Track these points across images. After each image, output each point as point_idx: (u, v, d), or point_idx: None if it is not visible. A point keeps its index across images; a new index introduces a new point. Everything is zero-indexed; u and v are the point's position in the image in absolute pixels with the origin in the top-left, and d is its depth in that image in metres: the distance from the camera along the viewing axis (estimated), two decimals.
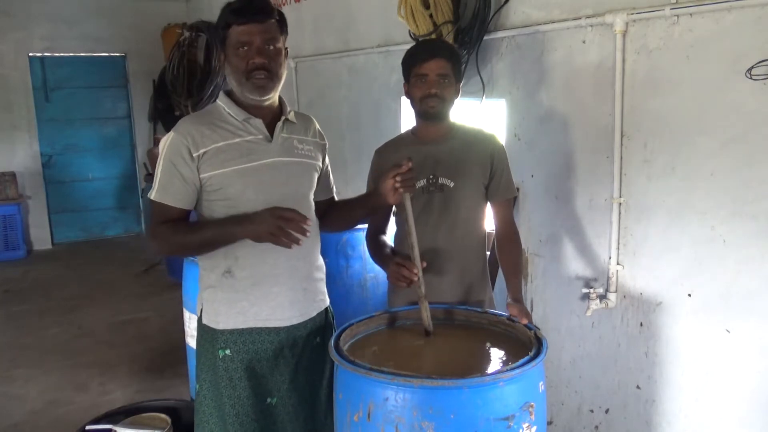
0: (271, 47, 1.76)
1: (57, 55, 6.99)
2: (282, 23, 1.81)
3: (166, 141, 1.79)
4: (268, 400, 1.87)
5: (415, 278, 1.87)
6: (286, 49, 1.83)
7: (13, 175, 6.66)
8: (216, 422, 1.85)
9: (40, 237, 7.00)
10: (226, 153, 1.76)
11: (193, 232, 1.81)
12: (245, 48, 1.74)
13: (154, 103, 7.34)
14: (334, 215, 2.08)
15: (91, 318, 4.87)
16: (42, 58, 6.93)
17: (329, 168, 2.07)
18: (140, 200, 7.37)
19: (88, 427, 2.24)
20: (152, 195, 1.78)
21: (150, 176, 6.26)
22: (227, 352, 1.82)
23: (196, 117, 1.87)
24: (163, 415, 2.22)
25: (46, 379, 3.84)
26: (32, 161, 6.88)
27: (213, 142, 1.76)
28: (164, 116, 7.23)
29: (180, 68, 6.55)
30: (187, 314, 3.07)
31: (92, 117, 7.30)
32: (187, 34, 6.55)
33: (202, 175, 1.76)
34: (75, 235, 7.28)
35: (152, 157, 6.54)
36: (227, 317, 1.83)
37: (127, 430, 2.15)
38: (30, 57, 6.82)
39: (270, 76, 1.76)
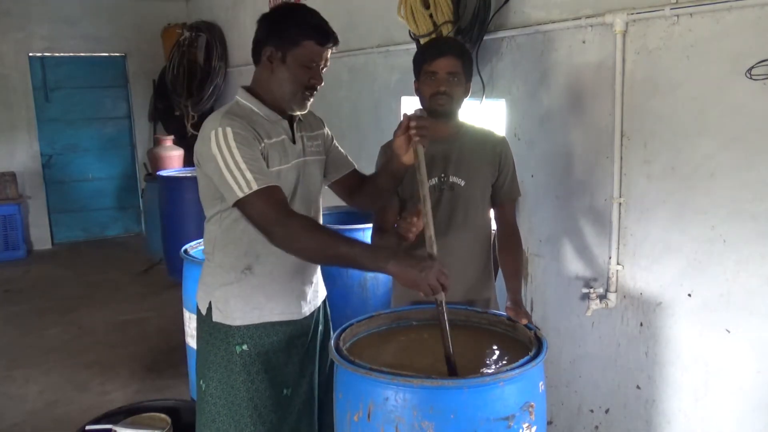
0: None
1: (57, 55, 6.98)
2: None
3: (224, 135, 1.66)
4: (285, 391, 1.89)
5: (423, 223, 1.73)
6: None
7: (13, 175, 6.65)
8: (224, 420, 1.84)
9: (40, 237, 6.99)
10: (271, 152, 1.76)
11: (343, 242, 1.64)
12: (313, 66, 1.78)
13: (154, 103, 7.35)
14: (364, 190, 2.04)
15: (91, 318, 4.86)
16: (42, 58, 6.93)
17: (335, 142, 2.04)
18: (140, 200, 7.36)
19: (88, 427, 2.24)
20: (253, 187, 1.62)
21: (150, 176, 6.25)
22: (244, 347, 1.83)
23: (234, 114, 1.74)
24: (163, 415, 2.22)
25: (46, 379, 3.84)
26: (32, 161, 6.88)
27: (266, 138, 1.76)
28: (164, 116, 7.24)
29: (180, 68, 6.56)
30: (187, 314, 3.07)
31: (92, 117, 7.29)
32: (187, 34, 6.57)
33: None
34: (75, 235, 7.27)
35: (152, 157, 6.52)
36: (243, 313, 1.84)
37: (127, 430, 2.16)
38: (30, 57, 6.81)
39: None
